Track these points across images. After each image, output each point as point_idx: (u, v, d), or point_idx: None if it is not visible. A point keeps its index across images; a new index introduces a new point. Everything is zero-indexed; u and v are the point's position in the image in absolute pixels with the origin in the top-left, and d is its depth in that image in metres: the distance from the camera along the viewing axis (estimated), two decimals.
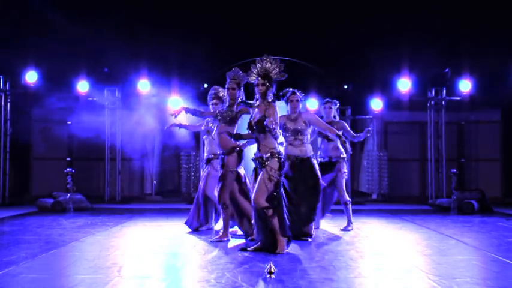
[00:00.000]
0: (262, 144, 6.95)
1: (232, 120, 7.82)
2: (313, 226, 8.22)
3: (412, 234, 8.89)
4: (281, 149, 7.39)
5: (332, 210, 10.09)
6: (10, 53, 13.78)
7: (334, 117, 9.34)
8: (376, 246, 7.69)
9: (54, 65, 14.46)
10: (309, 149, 8.13)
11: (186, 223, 9.06)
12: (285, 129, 8.10)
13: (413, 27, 13.87)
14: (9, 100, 15.29)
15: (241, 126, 7.72)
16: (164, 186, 17.12)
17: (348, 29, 14.29)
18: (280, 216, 6.86)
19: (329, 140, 9.06)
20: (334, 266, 6.04)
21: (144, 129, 15.45)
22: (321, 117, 8.92)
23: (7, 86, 15.22)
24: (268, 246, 6.86)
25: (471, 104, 15.57)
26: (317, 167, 8.17)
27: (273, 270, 5.38)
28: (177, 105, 14.48)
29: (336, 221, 10.06)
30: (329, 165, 9.09)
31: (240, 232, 8.34)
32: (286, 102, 8.20)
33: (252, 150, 7.44)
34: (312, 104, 13.98)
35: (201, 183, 9.05)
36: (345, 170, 9.18)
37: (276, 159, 6.89)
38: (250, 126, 7.04)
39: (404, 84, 14.83)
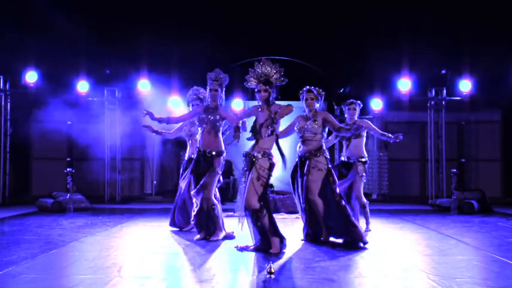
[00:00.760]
0: (259, 145, 6.95)
1: (216, 122, 7.90)
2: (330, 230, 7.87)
3: (412, 234, 8.86)
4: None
5: None
6: (10, 53, 13.78)
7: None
8: (376, 246, 7.62)
9: (55, 65, 14.46)
10: (322, 145, 7.85)
11: (172, 225, 9.12)
12: (300, 130, 7.85)
13: (414, 27, 13.88)
14: (9, 100, 15.30)
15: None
16: (164, 186, 17.11)
17: (348, 28, 14.28)
18: (270, 216, 6.89)
19: (348, 140, 8.96)
20: (334, 266, 6.02)
21: (144, 129, 15.44)
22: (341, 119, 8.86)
23: (7, 86, 15.23)
24: (265, 247, 6.86)
25: (471, 104, 15.53)
26: (329, 166, 7.86)
27: (272, 271, 5.37)
28: (177, 105, 14.52)
29: None
30: (346, 165, 8.94)
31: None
32: (303, 100, 7.95)
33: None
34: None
35: (183, 184, 8.95)
36: (363, 174, 8.92)
37: (267, 158, 6.89)
38: (254, 129, 7.00)
39: (405, 84, 14.82)
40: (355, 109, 9.09)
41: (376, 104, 15.19)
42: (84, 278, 5.36)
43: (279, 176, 11.04)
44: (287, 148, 7.48)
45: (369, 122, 9.21)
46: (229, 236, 8.15)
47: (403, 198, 16.03)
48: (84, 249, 7.20)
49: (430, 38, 14.02)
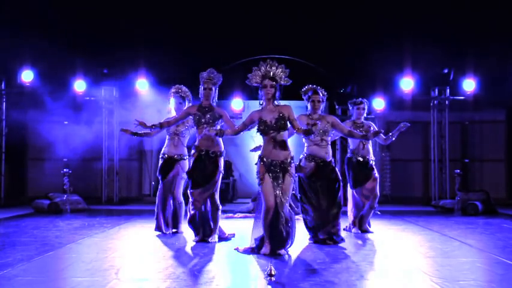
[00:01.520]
0: (280, 145, 6.80)
1: (215, 121, 7.78)
2: (339, 230, 7.85)
3: (414, 235, 8.83)
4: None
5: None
6: (6, 52, 13.67)
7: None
8: (379, 248, 7.65)
9: (51, 64, 14.39)
10: (330, 152, 7.88)
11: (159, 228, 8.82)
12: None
13: (416, 26, 13.80)
14: (4, 100, 15.25)
15: None
16: None
17: (350, 27, 14.18)
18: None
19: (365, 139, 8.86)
20: (336, 268, 6.01)
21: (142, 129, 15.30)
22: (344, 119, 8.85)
23: (2, 85, 15.20)
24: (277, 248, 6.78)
25: (475, 103, 15.52)
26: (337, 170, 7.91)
27: (273, 273, 5.32)
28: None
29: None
30: (363, 165, 8.89)
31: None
32: (308, 100, 7.93)
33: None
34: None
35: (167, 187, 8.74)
36: (377, 175, 9.07)
37: (293, 162, 6.89)
38: (264, 127, 6.80)
39: (407, 84, 14.74)
40: (364, 108, 9.10)
41: (378, 103, 15.09)
42: (82, 281, 5.30)
43: None
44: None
45: (371, 123, 9.27)
46: (228, 238, 8.13)
47: (406, 199, 15.97)
48: (81, 251, 7.16)
49: (433, 36, 13.96)
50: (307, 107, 8.07)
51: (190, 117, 8.05)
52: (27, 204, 13.43)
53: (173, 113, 8.79)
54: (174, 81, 14.16)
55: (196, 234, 7.89)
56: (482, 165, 16.80)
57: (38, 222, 10.47)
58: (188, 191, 7.85)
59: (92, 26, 13.91)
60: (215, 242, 7.78)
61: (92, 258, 6.53)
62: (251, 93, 13.32)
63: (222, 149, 7.88)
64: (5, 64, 14.47)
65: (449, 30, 13.84)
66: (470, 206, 12.40)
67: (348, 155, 9.07)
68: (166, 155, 8.67)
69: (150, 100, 14.15)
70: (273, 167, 6.73)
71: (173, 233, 8.79)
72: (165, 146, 8.77)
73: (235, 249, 7.10)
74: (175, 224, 8.86)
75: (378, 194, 9.07)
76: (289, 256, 6.69)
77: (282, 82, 6.92)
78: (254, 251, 6.85)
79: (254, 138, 15.61)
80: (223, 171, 7.95)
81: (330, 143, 7.92)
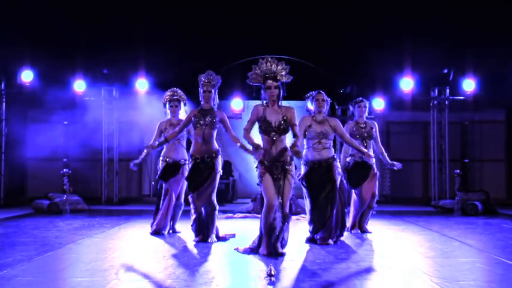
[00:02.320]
0: (280, 146, 6.78)
1: (213, 124, 7.79)
2: (333, 232, 7.81)
3: (414, 236, 8.79)
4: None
5: None
6: (5, 52, 13.65)
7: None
8: (378, 248, 7.63)
9: (51, 64, 14.34)
10: (330, 153, 7.78)
11: (161, 229, 8.76)
12: (310, 133, 7.74)
13: (416, 26, 13.76)
14: (4, 100, 15.23)
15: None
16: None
17: (350, 27, 14.16)
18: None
19: (368, 139, 8.93)
20: (336, 269, 5.98)
21: (142, 129, 15.31)
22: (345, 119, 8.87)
23: (2, 85, 15.17)
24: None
25: (475, 103, 15.53)
26: (338, 170, 7.84)
27: (273, 273, 5.31)
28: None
29: None
30: (365, 166, 8.88)
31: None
32: (312, 101, 7.91)
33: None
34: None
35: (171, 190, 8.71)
36: (376, 171, 9.08)
37: (292, 162, 6.86)
38: (267, 127, 6.78)
39: (407, 84, 14.72)
40: (365, 107, 9.10)
41: (378, 103, 15.10)
42: (81, 281, 5.28)
43: None
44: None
45: (375, 124, 9.23)
46: (226, 238, 8.11)
47: (406, 199, 15.97)
48: (81, 252, 7.14)
49: (433, 36, 13.92)
50: (307, 110, 8.07)
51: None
52: (27, 204, 13.40)
53: (169, 116, 8.81)
54: (174, 81, 14.26)
55: (196, 235, 7.88)
56: (482, 165, 16.80)
57: (37, 222, 10.45)
58: (189, 196, 7.86)
59: (92, 26, 13.89)
60: (214, 242, 7.78)
61: (91, 258, 6.50)
62: (251, 93, 13.29)
63: (217, 148, 7.87)
64: (5, 64, 14.45)
65: (449, 30, 13.81)
66: (470, 206, 12.37)
67: (347, 159, 9.05)
68: (171, 160, 8.65)
69: (149, 100, 14.21)
70: (274, 168, 6.71)
71: (169, 233, 8.78)
72: (167, 148, 8.71)
73: (235, 249, 7.08)
74: (172, 225, 8.88)
75: (377, 194, 9.07)
76: (289, 256, 6.65)
77: (284, 79, 6.89)
78: (254, 251, 6.83)
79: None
80: (221, 171, 7.92)
81: (330, 146, 7.87)
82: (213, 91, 7.85)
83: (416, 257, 6.85)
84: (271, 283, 5.17)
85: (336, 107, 15.95)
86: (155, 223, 8.72)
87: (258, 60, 6.95)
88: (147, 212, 12.03)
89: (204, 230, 7.85)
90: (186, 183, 8.52)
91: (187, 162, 8.58)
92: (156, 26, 14.14)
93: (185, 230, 8.57)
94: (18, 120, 15.67)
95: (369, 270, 6.01)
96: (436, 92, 15.57)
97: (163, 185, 8.71)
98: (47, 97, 14.14)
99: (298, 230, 8.88)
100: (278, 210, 6.67)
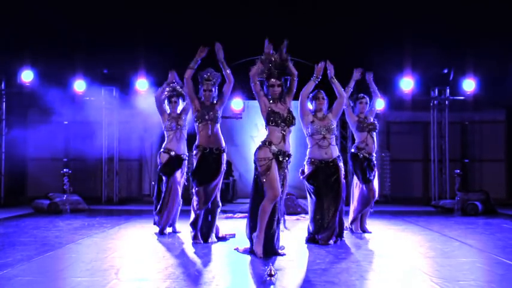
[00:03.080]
0: (288, 139, 6.77)
1: (217, 118, 7.82)
2: (333, 233, 7.81)
3: (414, 236, 8.78)
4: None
5: None
6: (6, 52, 13.65)
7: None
8: (378, 248, 7.62)
9: (51, 64, 14.33)
10: (335, 151, 7.80)
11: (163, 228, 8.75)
12: (313, 128, 7.75)
13: (417, 26, 13.75)
14: (4, 100, 15.23)
15: None
16: None
17: (350, 28, 14.14)
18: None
19: (369, 132, 8.91)
20: (336, 269, 5.98)
21: (141, 129, 15.34)
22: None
23: (2, 85, 15.17)
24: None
25: (475, 103, 15.54)
26: (342, 171, 7.85)
27: (273, 273, 5.30)
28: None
29: None
30: (368, 161, 8.85)
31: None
32: (312, 100, 7.94)
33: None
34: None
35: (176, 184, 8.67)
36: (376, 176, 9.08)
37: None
38: (278, 118, 6.70)
39: (407, 84, 14.71)
40: (366, 103, 9.15)
41: (378, 103, 14.98)
42: (81, 281, 5.28)
43: None
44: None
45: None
46: (226, 238, 8.09)
47: (406, 199, 15.98)
48: (81, 251, 7.13)
49: (433, 36, 13.92)
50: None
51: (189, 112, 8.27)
52: (27, 204, 13.38)
53: (168, 112, 8.78)
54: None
55: (195, 235, 7.82)
56: (482, 165, 16.81)
57: (37, 222, 10.43)
58: (193, 190, 7.79)
59: (92, 26, 13.87)
60: (214, 241, 7.77)
61: (91, 258, 6.50)
62: (251, 93, 13.29)
63: (224, 145, 7.87)
64: (5, 64, 14.44)
65: (449, 30, 13.80)
66: (470, 206, 12.37)
67: (353, 150, 9.00)
68: (173, 152, 8.53)
69: (149, 100, 14.20)
70: (281, 157, 6.66)
71: (169, 233, 8.78)
72: (168, 141, 8.59)
73: (235, 249, 7.06)
74: (171, 223, 8.87)
75: (376, 194, 9.06)
76: (289, 256, 6.65)
77: (289, 69, 6.88)
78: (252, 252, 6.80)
79: (254, 139, 15.66)
80: (225, 167, 7.93)
81: (335, 143, 7.89)
82: (213, 89, 7.85)
83: (416, 257, 6.84)
84: (271, 283, 5.17)
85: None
86: (162, 221, 8.63)
87: (258, 59, 6.92)
88: (147, 212, 12.04)
89: (203, 229, 7.82)
90: (184, 179, 8.53)
91: (187, 156, 8.60)
92: (155, 26, 14.12)
93: (185, 230, 8.54)
94: (18, 120, 15.67)
95: (368, 270, 6.00)
96: (436, 92, 15.58)
97: (164, 179, 8.62)
98: (47, 97, 14.12)
99: (298, 230, 8.89)
100: (279, 205, 6.66)
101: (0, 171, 15.03)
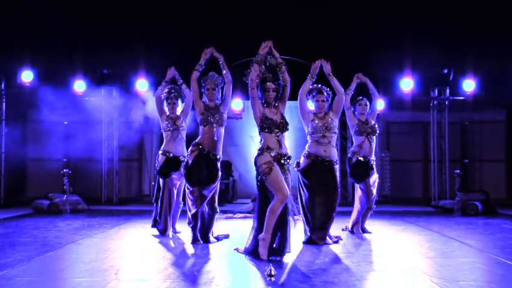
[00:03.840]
0: (283, 143, 6.76)
1: (222, 120, 7.86)
2: (329, 232, 7.86)
3: (414, 236, 8.79)
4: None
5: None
6: (5, 52, 13.64)
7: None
8: (378, 248, 7.62)
9: (51, 64, 14.34)
10: (333, 153, 7.81)
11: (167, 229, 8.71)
12: (313, 127, 7.78)
13: (417, 26, 13.75)
14: (4, 100, 15.21)
15: None
16: None
17: (350, 28, 14.14)
18: None
19: (368, 137, 8.88)
20: (336, 269, 5.99)
21: (141, 129, 15.32)
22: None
23: (2, 85, 15.15)
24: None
25: (475, 103, 15.52)
26: (337, 173, 7.87)
27: (273, 273, 5.31)
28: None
29: (337, 223, 9.87)
30: (365, 165, 8.82)
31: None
32: (313, 100, 7.94)
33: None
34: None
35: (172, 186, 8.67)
36: (376, 175, 9.09)
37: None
38: (271, 124, 6.70)
39: (407, 84, 14.68)
40: (366, 104, 9.13)
41: (378, 103, 14.98)
42: (81, 281, 5.28)
43: None
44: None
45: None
46: (219, 238, 8.11)
47: (406, 199, 15.96)
48: (81, 252, 7.13)
49: (433, 36, 13.90)
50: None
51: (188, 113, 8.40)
52: (27, 204, 13.35)
53: (167, 113, 8.77)
54: (174, 81, 14.24)
55: (194, 235, 7.82)
56: (482, 165, 16.82)
57: (37, 222, 10.43)
58: (187, 190, 7.79)
59: (92, 26, 13.87)
60: (211, 242, 7.78)
61: (91, 258, 6.50)
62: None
63: (221, 153, 7.89)
64: (5, 64, 14.43)
65: (449, 30, 13.79)
66: (470, 206, 12.37)
67: (349, 155, 9.04)
68: (172, 154, 8.52)
69: (149, 100, 14.20)
70: (282, 159, 6.65)
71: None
72: (166, 142, 8.58)
73: (235, 249, 7.06)
74: (172, 224, 8.86)
75: (376, 194, 9.05)
76: (289, 256, 6.65)
77: (281, 81, 6.86)
78: (253, 253, 6.77)
79: (254, 139, 15.65)
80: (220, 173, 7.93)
81: (335, 144, 7.91)
82: (216, 89, 7.87)
83: (416, 257, 6.84)
84: (270, 283, 5.17)
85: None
86: (161, 222, 8.60)
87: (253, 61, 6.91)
88: (147, 212, 12.02)
89: (202, 231, 7.82)
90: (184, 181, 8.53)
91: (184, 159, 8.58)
92: (155, 26, 14.11)
93: (185, 230, 8.54)
94: (18, 120, 15.66)
95: (368, 270, 6.00)
96: (436, 92, 15.56)
97: (161, 181, 8.61)
98: (47, 97, 14.10)
99: (297, 230, 8.87)
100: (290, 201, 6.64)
101: (0, 171, 15.01)
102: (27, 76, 14.40)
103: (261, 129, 6.74)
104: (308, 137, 7.91)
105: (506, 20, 13.33)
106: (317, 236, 7.62)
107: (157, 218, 8.66)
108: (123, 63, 14.81)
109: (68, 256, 6.82)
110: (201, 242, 7.74)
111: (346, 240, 8.13)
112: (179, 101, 8.71)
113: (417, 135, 16.78)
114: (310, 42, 14.55)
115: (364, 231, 8.99)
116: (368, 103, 9.16)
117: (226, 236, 8.28)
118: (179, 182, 8.66)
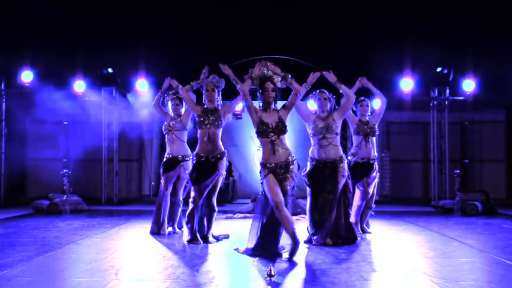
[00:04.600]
0: (281, 147, 6.74)
1: (219, 121, 7.84)
2: (328, 233, 7.81)
3: (414, 236, 8.79)
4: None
5: None
6: (5, 52, 13.63)
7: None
8: (378, 248, 7.63)
9: (51, 64, 14.30)
10: (336, 152, 7.80)
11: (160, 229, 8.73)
12: (314, 129, 7.80)
13: (416, 26, 13.74)
14: (4, 100, 15.19)
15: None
16: None
17: (350, 28, 14.13)
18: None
19: (366, 137, 8.87)
20: (336, 269, 5.99)
21: (141, 129, 15.32)
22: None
23: (2, 85, 15.15)
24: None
25: (475, 104, 15.51)
26: (344, 173, 7.82)
27: (273, 273, 5.31)
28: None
29: None
30: (363, 166, 8.81)
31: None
32: (315, 100, 7.99)
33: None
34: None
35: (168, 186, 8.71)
36: (376, 174, 9.03)
37: (295, 161, 6.82)
38: (265, 128, 6.72)
39: (407, 84, 14.67)
40: (367, 105, 9.12)
41: (378, 103, 15.02)
42: (81, 281, 5.29)
43: None
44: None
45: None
46: (219, 238, 8.12)
47: (405, 199, 15.93)
48: (81, 252, 7.14)
49: (432, 36, 13.88)
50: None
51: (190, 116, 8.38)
52: (27, 204, 13.38)
53: (172, 115, 8.79)
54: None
55: (191, 234, 7.83)
56: (482, 165, 16.80)
57: (37, 222, 10.43)
58: (191, 189, 7.87)
59: (92, 27, 13.86)
60: (211, 242, 7.79)
61: (91, 258, 6.50)
62: (251, 94, 13.29)
63: (223, 150, 7.88)
64: (5, 64, 14.42)
65: (449, 30, 13.78)
66: (470, 207, 12.35)
67: (348, 157, 9.04)
68: (170, 155, 8.60)
69: (149, 100, 14.20)
70: (278, 169, 6.68)
71: (169, 233, 8.76)
72: (167, 142, 8.71)
73: (235, 249, 7.07)
74: (172, 224, 8.87)
75: (375, 194, 9.05)
76: (289, 257, 6.63)
77: (279, 85, 6.89)
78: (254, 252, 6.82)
79: (254, 139, 15.64)
80: (224, 173, 7.91)
81: (337, 143, 7.88)
82: (216, 91, 7.89)
83: (416, 257, 6.85)
84: (271, 283, 5.18)
85: (336, 107, 15.89)
86: (154, 220, 8.69)
87: (257, 61, 6.94)
88: (147, 212, 12.03)
89: (201, 231, 7.84)
90: (184, 181, 8.54)
91: (188, 158, 8.56)
92: (156, 26, 14.11)
93: (185, 230, 8.53)
94: (18, 120, 15.65)
95: (369, 270, 5.99)
96: (436, 92, 15.54)
97: (160, 184, 8.71)
98: (46, 97, 14.11)
99: (298, 230, 8.87)
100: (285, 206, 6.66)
101: (0, 171, 15.00)
102: (27, 76, 14.40)
103: (257, 134, 6.79)
104: (311, 139, 7.93)
105: (506, 20, 13.31)
106: (317, 237, 7.63)
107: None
108: (123, 63, 14.80)
109: (68, 256, 6.82)
110: (201, 242, 7.74)
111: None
112: (183, 104, 8.73)
113: (417, 135, 16.77)
114: (310, 43, 14.57)
115: (364, 231, 8.99)
116: (369, 104, 9.16)
117: (226, 236, 8.29)
118: (179, 182, 8.67)
